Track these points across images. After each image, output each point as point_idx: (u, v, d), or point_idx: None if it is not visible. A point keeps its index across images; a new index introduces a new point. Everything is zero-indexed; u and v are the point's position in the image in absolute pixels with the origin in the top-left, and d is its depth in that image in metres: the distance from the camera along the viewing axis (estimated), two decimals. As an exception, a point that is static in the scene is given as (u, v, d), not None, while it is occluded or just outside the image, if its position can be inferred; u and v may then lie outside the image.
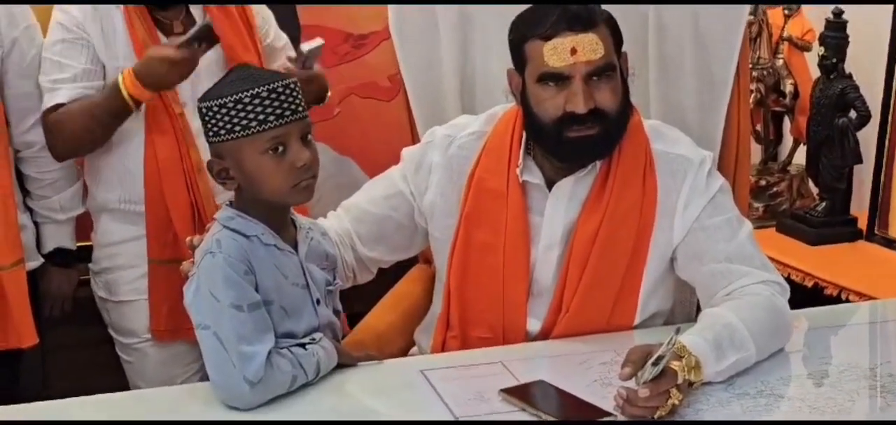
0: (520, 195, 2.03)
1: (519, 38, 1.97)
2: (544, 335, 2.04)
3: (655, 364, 1.64)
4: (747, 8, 2.36)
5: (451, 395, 1.77)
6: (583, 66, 1.90)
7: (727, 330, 1.82)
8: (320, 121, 3.09)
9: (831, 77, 3.04)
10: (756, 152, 3.40)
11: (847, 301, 2.69)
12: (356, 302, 2.22)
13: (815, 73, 3.16)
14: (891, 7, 3.00)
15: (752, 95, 3.27)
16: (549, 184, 2.03)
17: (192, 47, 2.30)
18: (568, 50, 1.89)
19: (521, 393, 1.75)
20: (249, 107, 1.69)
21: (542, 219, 2.03)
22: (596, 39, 1.91)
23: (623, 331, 2.02)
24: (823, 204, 3.11)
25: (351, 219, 2.15)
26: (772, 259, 2.09)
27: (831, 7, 3.04)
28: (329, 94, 2.68)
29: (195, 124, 2.33)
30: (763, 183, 3.39)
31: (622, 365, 1.68)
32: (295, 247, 1.82)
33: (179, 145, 2.40)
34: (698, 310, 2.10)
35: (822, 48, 3.05)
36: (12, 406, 1.81)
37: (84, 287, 2.63)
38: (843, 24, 3.02)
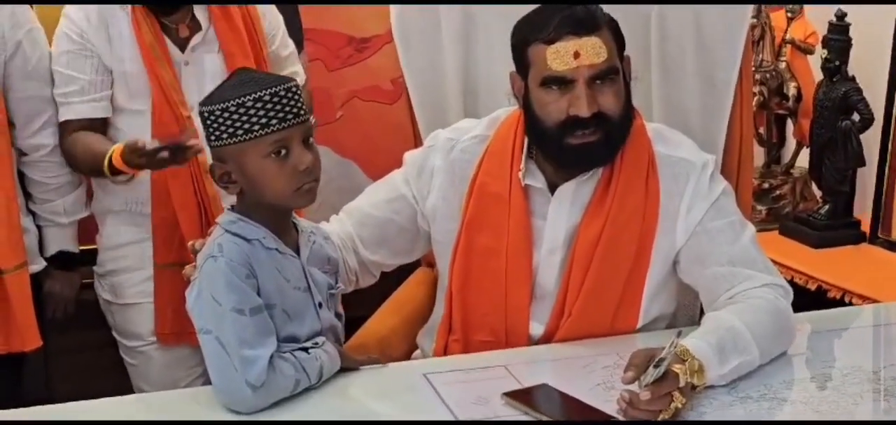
0: (522, 199, 2.03)
1: (521, 41, 1.97)
2: (547, 339, 2.04)
3: (656, 366, 1.64)
4: (750, 10, 2.36)
5: (454, 399, 1.77)
6: (586, 70, 1.90)
7: (730, 334, 1.82)
8: (323, 124, 3.10)
9: (834, 80, 3.04)
10: (759, 155, 3.40)
11: (850, 304, 2.69)
12: (358, 305, 2.22)
13: (818, 75, 3.15)
14: (894, 9, 3.00)
15: (755, 98, 3.26)
16: (552, 188, 2.03)
17: (159, 155, 2.24)
18: (571, 54, 1.89)
19: (524, 396, 1.75)
20: (252, 111, 1.69)
21: (544, 222, 2.03)
22: (599, 43, 1.90)
23: (626, 335, 2.02)
24: (826, 207, 3.11)
25: (353, 222, 2.15)
26: (775, 262, 2.09)
27: (834, 8, 3.04)
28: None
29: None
30: (766, 186, 3.39)
31: (625, 369, 1.68)
32: (297, 250, 1.82)
33: None
34: (701, 313, 2.09)
35: (825, 51, 3.05)
36: (15, 410, 1.81)
37: (87, 290, 2.63)
38: (846, 27, 3.02)
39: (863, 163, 3.07)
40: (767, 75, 3.34)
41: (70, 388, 2.13)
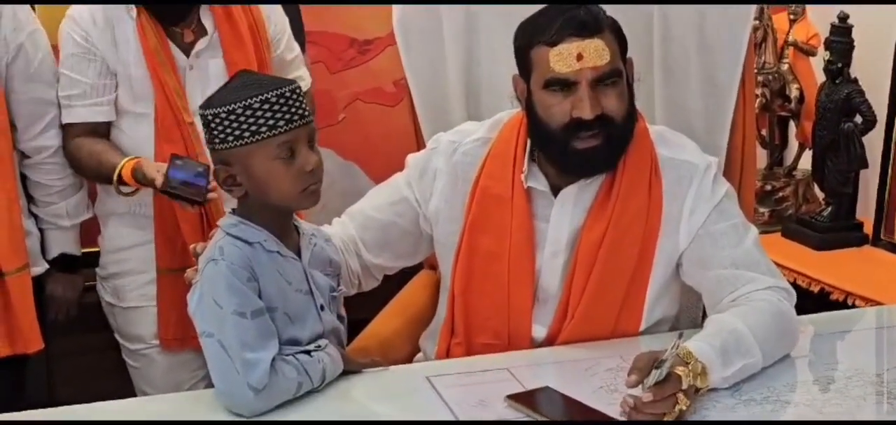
0: (525, 201, 2.02)
1: (524, 44, 1.97)
2: (550, 341, 2.03)
3: (658, 368, 1.64)
4: (752, 12, 2.36)
5: (457, 402, 1.77)
6: (589, 72, 1.90)
7: (733, 337, 1.81)
8: (325, 126, 3.11)
9: (837, 81, 3.04)
10: (761, 157, 3.40)
11: (853, 306, 2.69)
12: (361, 308, 2.22)
13: (821, 77, 3.16)
14: (897, 11, 3.01)
15: (758, 100, 3.26)
16: (555, 191, 2.03)
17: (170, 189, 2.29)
18: (574, 56, 1.89)
19: (526, 399, 1.75)
20: (259, 113, 1.69)
21: (547, 225, 2.03)
22: (602, 45, 1.90)
23: (629, 338, 2.01)
24: (829, 208, 3.11)
25: (356, 225, 2.15)
26: (777, 264, 2.08)
27: (836, 9, 3.04)
28: None
29: None
30: (769, 187, 3.39)
31: (629, 372, 1.67)
32: (298, 253, 1.81)
33: (188, 153, 2.40)
34: (704, 315, 2.09)
35: (828, 53, 3.05)
36: (18, 412, 1.81)
37: (89, 292, 2.63)
38: (849, 29, 3.02)
39: (865, 165, 3.07)
40: (770, 77, 3.34)
41: (72, 391, 2.14)
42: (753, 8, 2.40)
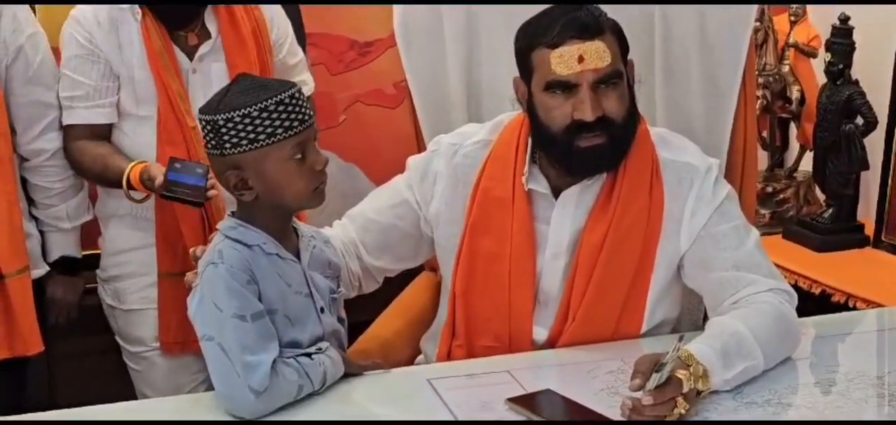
0: (525, 203, 2.02)
1: (525, 46, 1.97)
2: (551, 344, 2.03)
3: (659, 371, 1.63)
4: (753, 13, 2.36)
5: (458, 404, 1.77)
6: (590, 74, 1.90)
7: (735, 339, 1.81)
8: (326, 128, 3.11)
9: (838, 83, 3.03)
10: (762, 159, 3.39)
11: (854, 308, 2.69)
12: (361, 310, 2.22)
13: (822, 79, 3.15)
14: (898, 12, 3.00)
15: (759, 102, 3.26)
16: (556, 193, 2.03)
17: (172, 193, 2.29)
18: (575, 58, 1.89)
19: (527, 402, 1.75)
20: (275, 115, 1.69)
21: (548, 227, 2.03)
22: (603, 47, 1.90)
23: (630, 340, 2.01)
24: (830, 210, 3.10)
25: (356, 228, 2.15)
26: (778, 266, 2.08)
27: (837, 11, 3.04)
28: None
29: None
30: (769, 189, 3.39)
31: (632, 376, 1.67)
32: (297, 255, 1.81)
33: (191, 156, 2.39)
34: (705, 318, 2.09)
35: (829, 54, 3.04)
36: (18, 415, 1.81)
37: (90, 295, 2.63)
38: (850, 30, 3.02)
39: (866, 167, 3.06)
40: (770, 79, 3.34)
41: (73, 393, 2.13)
42: (754, 9, 2.40)
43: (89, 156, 2.42)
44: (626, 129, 1.96)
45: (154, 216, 2.45)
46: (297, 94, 1.72)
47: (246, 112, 1.69)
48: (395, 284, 2.33)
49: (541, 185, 2.03)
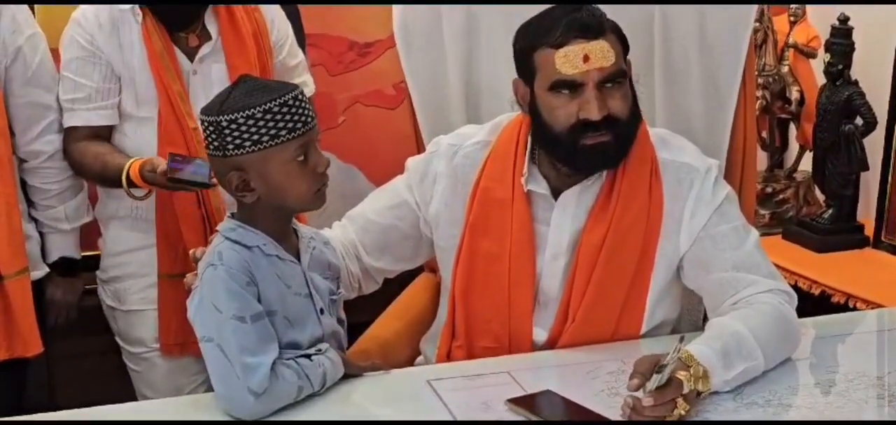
0: (525, 204, 2.02)
1: (527, 47, 1.97)
2: (550, 344, 2.03)
3: (659, 372, 1.63)
4: (753, 14, 2.36)
5: (458, 405, 1.77)
6: (595, 74, 1.90)
7: (735, 340, 1.81)
8: (325, 129, 3.10)
9: (837, 83, 3.03)
10: (762, 159, 3.39)
11: (854, 308, 2.69)
12: (361, 311, 2.22)
13: (821, 79, 3.15)
14: (897, 13, 3.00)
15: (758, 102, 3.26)
16: (555, 194, 2.03)
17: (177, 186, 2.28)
18: (580, 57, 1.89)
19: (527, 403, 1.75)
20: (278, 117, 1.69)
21: (547, 228, 2.03)
22: (607, 46, 1.90)
23: (630, 341, 2.01)
24: (830, 211, 3.10)
25: (356, 229, 2.15)
26: (778, 266, 2.08)
27: (837, 11, 3.04)
28: None
29: None
30: (769, 190, 3.39)
31: (631, 376, 1.67)
32: (297, 256, 1.81)
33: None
34: (705, 318, 2.09)
35: (828, 55, 3.04)
36: (18, 416, 1.81)
37: (90, 296, 2.63)
38: (849, 31, 3.02)
39: (866, 168, 3.06)
40: (770, 79, 3.34)
41: (73, 394, 2.13)
42: (754, 9, 2.40)
43: (90, 156, 2.42)
44: (629, 128, 1.96)
45: (154, 217, 2.45)
46: (300, 96, 1.72)
47: (250, 113, 1.68)
48: (394, 285, 2.33)
49: (540, 186, 2.03)
